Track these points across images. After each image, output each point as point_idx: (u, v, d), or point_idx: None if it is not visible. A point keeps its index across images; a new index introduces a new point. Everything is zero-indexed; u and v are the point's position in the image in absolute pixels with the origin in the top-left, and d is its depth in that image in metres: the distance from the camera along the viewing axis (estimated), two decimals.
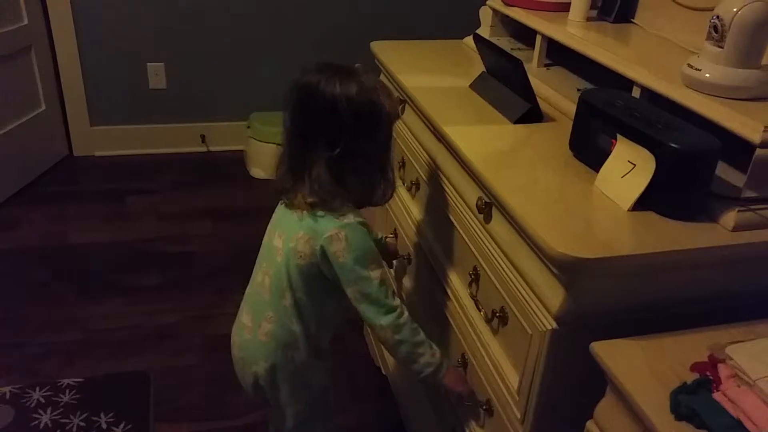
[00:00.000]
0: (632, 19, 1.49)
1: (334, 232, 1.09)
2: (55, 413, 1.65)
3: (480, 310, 1.15)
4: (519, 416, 1.02)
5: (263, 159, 2.90)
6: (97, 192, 2.82)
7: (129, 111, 3.10)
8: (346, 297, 1.14)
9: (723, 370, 0.74)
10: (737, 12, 0.98)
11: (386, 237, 1.59)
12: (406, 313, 1.15)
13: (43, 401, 1.69)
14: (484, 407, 1.15)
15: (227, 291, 2.19)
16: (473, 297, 1.18)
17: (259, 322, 1.21)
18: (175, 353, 1.94)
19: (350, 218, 1.11)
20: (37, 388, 1.72)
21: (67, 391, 1.74)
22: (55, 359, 1.88)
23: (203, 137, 3.19)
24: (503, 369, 1.07)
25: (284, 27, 3.09)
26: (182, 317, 2.08)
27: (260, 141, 2.92)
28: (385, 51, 1.68)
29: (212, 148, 3.22)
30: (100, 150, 3.13)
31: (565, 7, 1.49)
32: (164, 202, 2.76)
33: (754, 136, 0.90)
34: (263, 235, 1.25)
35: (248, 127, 3.02)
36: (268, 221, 1.24)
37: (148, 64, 3.03)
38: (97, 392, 1.76)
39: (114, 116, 3.09)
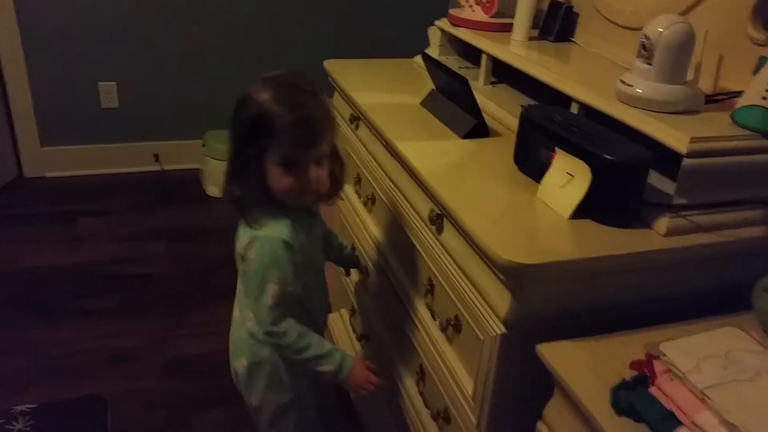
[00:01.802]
0: (572, 38, 1.57)
1: (246, 241, 1.12)
2: None
3: (435, 320, 1.19)
4: (474, 421, 1.06)
5: (219, 177, 2.86)
6: (49, 214, 2.76)
7: (80, 131, 3.05)
8: (300, 304, 1.19)
9: (658, 366, 0.80)
10: (662, 32, 1.05)
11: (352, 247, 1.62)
12: (292, 335, 1.14)
13: None
14: (441, 415, 1.19)
15: (185, 312, 2.18)
16: (429, 307, 1.22)
17: (244, 316, 1.24)
18: (134, 377, 1.91)
19: (267, 231, 1.10)
20: None
21: (20, 418, 1.70)
22: (8, 385, 1.83)
23: (157, 156, 3.16)
24: (458, 376, 1.11)
25: (237, 45, 3.10)
26: (140, 340, 2.05)
27: (216, 159, 2.92)
28: (338, 69, 1.72)
29: (166, 167, 3.19)
30: (51, 171, 3.07)
31: (509, 27, 1.56)
32: (118, 223, 2.72)
33: (682, 147, 0.97)
34: (221, 255, 1.28)
35: (204, 145, 3.01)
36: (226, 240, 1.25)
37: (100, 83, 3.00)
38: (52, 419, 1.72)
39: (65, 136, 3.04)
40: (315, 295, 1.26)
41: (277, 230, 1.10)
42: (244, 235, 1.14)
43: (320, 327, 1.31)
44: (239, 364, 1.26)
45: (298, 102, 1.05)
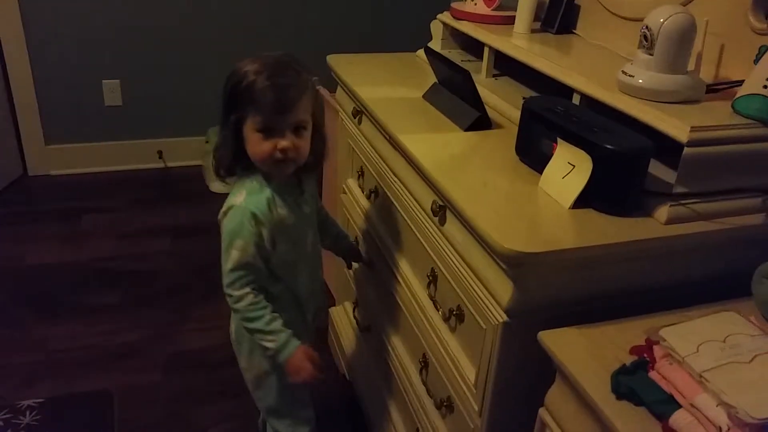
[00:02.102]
0: (573, 30, 1.57)
1: (224, 209, 1.19)
2: None
3: (438, 310, 1.20)
4: (477, 408, 1.07)
5: None
6: (53, 211, 2.78)
7: (84, 129, 3.07)
8: (277, 279, 1.24)
9: (658, 351, 0.80)
10: (663, 22, 1.06)
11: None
12: (244, 302, 1.18)
13: (2, 424, 1.67)
14: (445, 404, 1.20)
15: (188, 308, 2.19)
16: (431, 297, 1.23)
17: None
18: (138, 371, 1.93)
19: (242, 201, 1.17)
20: None
21: (28, 412, 1.72)
22: (15, 381, 1.85)
23: (160, 153, 3.18)
24: (461, 365, 1.12)
25: (240, 41, 3.11)
26: (143, 335, 2.07)
27: None
28: (341, 64, 1.72)
29: (170, 164, 3.21)
30: (56, 169, 3.09)
31: (511, 20, 1.56)
32: (122, 220, 2.73)
33: (682, 136, 0.98)
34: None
35: (207, 141, 3.02)
36: None
37: (103, 81, 3.01)
38: (58, 413, 1.74)
39: (69, 134, 3.06)
40: (302, 273, 1.28)
41: (250, 202, 1.16)
42: (225, 204, 1.20)
43: (305, 309, 1.32)
44: (232, 327, 1.35)
45: (277, 72, 1.12)
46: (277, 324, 1.20)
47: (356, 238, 1.67)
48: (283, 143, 1.14)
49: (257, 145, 1.14)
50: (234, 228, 1.16)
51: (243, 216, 1.15)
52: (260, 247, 1.17)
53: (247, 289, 1.18)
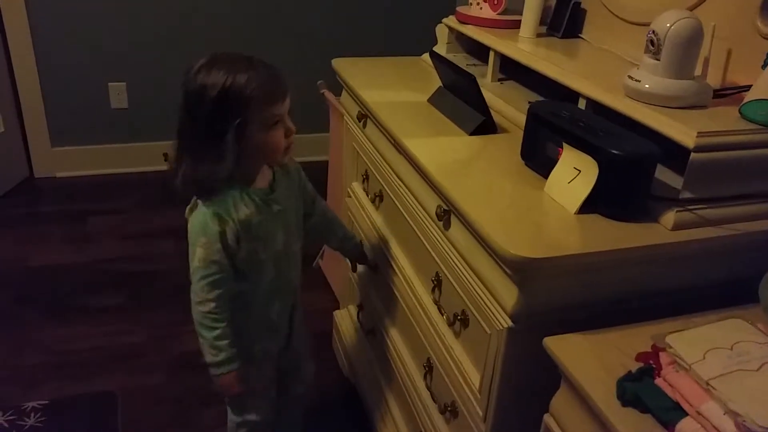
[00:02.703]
0: (580, 35, 1.57)
1: (191, 203, 1.22)
2: None
3: (443, 315, 1.19)
4: (481, 414, 1.07)
5: None
6: (58, 213, 2.79)
7: (90, 131, 3.08)
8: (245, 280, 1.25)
9: (664, 358, 0.80)
10: (670, 27, 1.05)
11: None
12: (205, 308, 1.19)
13: (7, 426, 1.67)
14: (449, 408, 1.19)
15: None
16: (436, 302, 1.23)
17: None
18: (142, 373, 1.93)
19: (207, 206, 1.18)
20: (0, 413, 1.70)
21: (32, 414, 1.72)
22: (19, 383, 1.85)
23: (166, 156, 3.16)
24: (466, 370, 1.11)
25: (245, 44, 3.11)
26: (148, 337, 2.07)
27: None
28: (346, 68, 1.72)
29: None
30: (62, 171, 3.09)
31: (517, 24, 1.56)
32: (127, 222, 2.74)
33: (689, 141, 0.97)
34: None
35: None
36: None
37: (110, 83, 3.02)
38: (63, 414, 1.74)
39: (75, 137, 3.07)
40: (268, 271, 1.26)
41: (213, 205, 1.17)
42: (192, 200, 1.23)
43: (269, 307, 1.30)
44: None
45: (250, 66, 1.12)
46: (224, 342, 1.21)
47: (360, 241, 1.67)
48: (291, 127, 1.17)
49: (274, 140, 1.15)
50: (197, 227, 1.18)
51: (206, 217, 1.17)
52: (225, 245, 1.18)
53: (212, 295, 1.19)
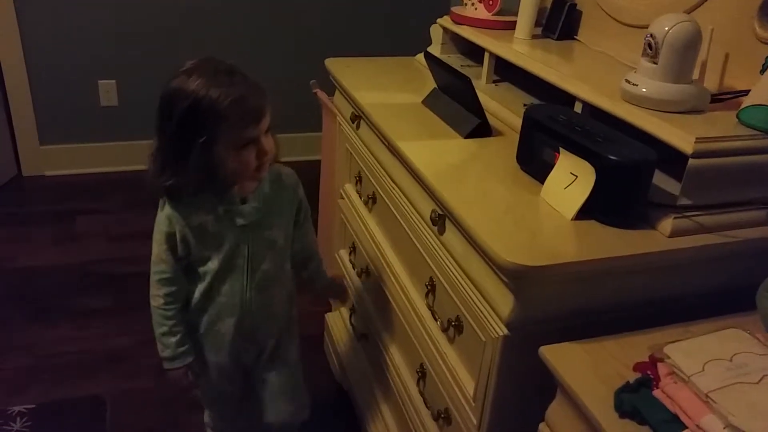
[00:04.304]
0: (575, 37, 1.56)
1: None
2: None
3: (436, 320, 1.18)
4: (475, 422, 1.05)
5: None
6: (46, 213, 2.75)
7: (79, 129, 3.05)
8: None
9: (662, 369, 0.78)
10: (668, 31, 1.04)
11: (335, 277, 1.59)
12: (155, 303, 1.25)
13: None
14: (442, 415, 1.18)
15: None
16: (430, 307, 1.21)
17: None
18: (130, 376, 1.91)
19: (163, 205, 1.20)
20: None
21: (18, 418, 1.70)
22: (5, 386, 1.83)
23: None
24: (459, 377, 1.10)
25: (237, 42, 3.09)
26: (136, 339, 2.04)
27: None
28: (339, 68, 1.70)
29: None
30: (50, 169, 3.06)
31: (512, 25, 1.55)
32: (116, 222, 2.71)
33: (687, 147, 0.96)
34: None
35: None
36: None
37: (99, 81, 2.99)
38: (50, 419, 1.71)
39: (64, 135, 3.03)
40: (227, 284, 1.24)
41: (171, 207, 1.19)
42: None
43: (221, 319, 1.28)
44: None
45: (230, 82, 1.08)
46: (172, 339, 1.26)
47: (354, 244, 1.65)
48: (264, 149, 1.13)
49: (242, 161, 1.12)
50: (156, 225, 1.21)
51: (161, 215, 1.20)
52: (172, 247, 1.20)
53: (161, 292, 1.23)
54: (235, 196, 1.19)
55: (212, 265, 1.22)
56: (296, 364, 1.44)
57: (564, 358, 0.85)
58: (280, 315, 1.35)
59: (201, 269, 1.24)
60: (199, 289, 1.25)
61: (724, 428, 0.68)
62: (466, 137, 1.29)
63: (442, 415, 1.18)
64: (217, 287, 1.25)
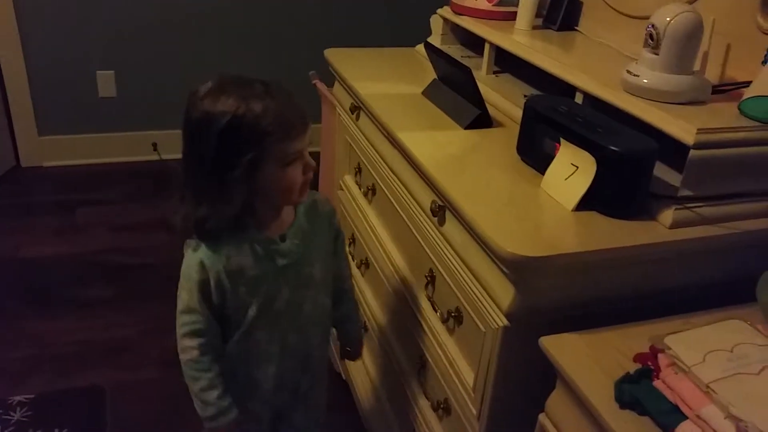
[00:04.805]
0: (576, 27, 1.55)
1: (186, 245, 1.10)
2: None
3: (436, 311, 1.18)
4: (475, 412, 1.05)
5: None
6: (46, 204, 2.75)
7: (78, 120, 3.04)
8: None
9: (662, 360, 0.79)
10: (670, 21, 1.03)
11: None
12: (186, 356, 1.09)
13: None
14: (442, 406, 1.18)
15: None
16: (429, 298, 1.21)
17: None
18: (132, 367, 1.91)
19: (193, 247, 1.07)
20: None
21: (18, 408, 1.70)
22: (6, 376, 1.83)
23: (155, 145, 3.14)
24: (459, 367, 1.10)
25: (236, 33, 3.08)
26: (138, 330, 2.05)
27: None
28: (339, 58, 1.70)
29: (165, 157, 3.17)
30: (49, 160, 3.05)
31: (512, 16, 1.54)
32: (117, 213, 2.70)
33: (689, 138, 0.96)
34: None
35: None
36: None
37: (98, 72, 2.98)
38: (50, 409, 1.72)
39: (63, 126, 3.02)
40: (263, 332, 1.11)
41: (204, 251, 1.05)
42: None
43: (251, 375, 1.15)
44: None
45: (265, 93, 0.98)
46: (213, 393, 1.09)
47: (353, 235, 1.65)
48: (311, 163, 1.03)
49: (291, 179, 1.01)
50: (184, 270, 1.07)
51: (192, 260, 1.05)
52: (206, 296, 1.06)
53: (195, 343, 1.08)
54: (274, 233, 1.08)
55: (251, 312, 1.08)
56: (324, 410, 1.32)
57: (564, 349, 0.86)
58: (318, 357, 1.23)
59: (236, 317, 1.10)
60: (235, 338, 1.11)
61: (725, 418, 0.68)
62: (467, 128, 1.28)
63: (442, 406, 1.18)
64: (254, 334, 1.11)
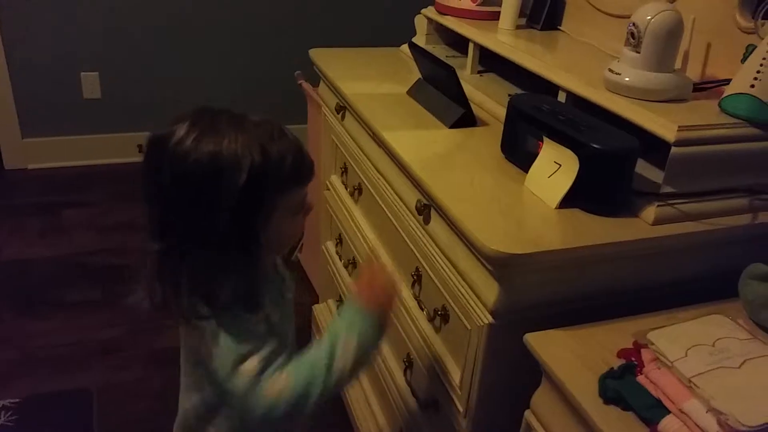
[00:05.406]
0: (559, 27, 1.56)
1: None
2: None
3: (423, 310, 1.18)
4: (462, 410, 1.06)
5: None
6: (31, 206, 2.72)
7: (62, 122, 3.01)
8: None
9: (646, 355, 0.79)
10: (651, 20, 1.04)
11: None
12: (279, 389, 0.86)
13: None
14: (429, 404, 1.18)
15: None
16: (416, 297, 1.21)
17: None
18: (120, 368, 1.90)
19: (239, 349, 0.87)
20: None
21: (3, 412, 1.68)
22: None
23: (140, 147, 3.09)
24: (446, 365, 1.10)
25: (222, 34, 3.07)
26: (125, 331, 2.04)
27: None
28: (324, 58, 1.70)
29: None
30: (33, 163, 3.02)
31: (496, 16, 1.55)
32: (102, 215, 2.69)
33: (670, 135, 0.97)
34: None
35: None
36: None
37: (82, 73, 2.95)
38: (36, 412, 1.70)
39: (47, 128, 3.00)
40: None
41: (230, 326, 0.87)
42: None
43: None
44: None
45: (275, 133, 0.84)
46: (324, 345, 0.88)
47: (340, 235, 1.65)
48: (311, 206, 0.92)
49: (295, 226, 0.90)
50: (221, 354, 0.86)
51: (225, 341, 0.86)
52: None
53: (268, 374, 0.86)
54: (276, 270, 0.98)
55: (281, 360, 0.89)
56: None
57: (549, 345, 0.86)
58: None
59: None
60: None
61: (707, 412, 0.69)
62: (451, 127, 1.29)
63: (429, 404, 1.18)
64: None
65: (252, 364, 0.85)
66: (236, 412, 0.92)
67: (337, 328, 0.90)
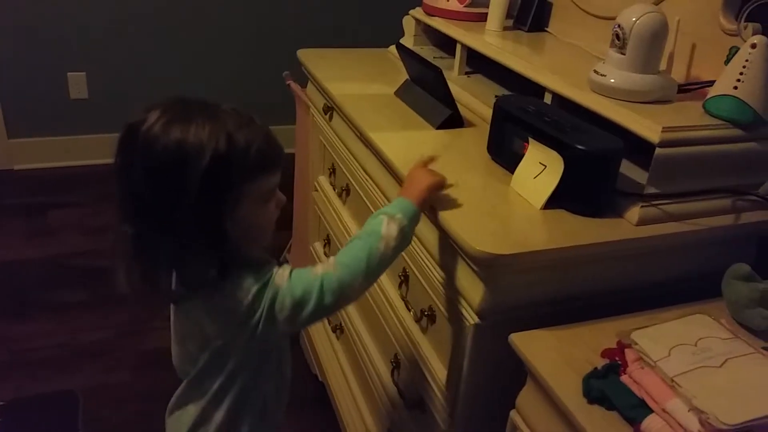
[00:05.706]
0: (546, 28, 1.57)
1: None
2: None
3: (410, 310, 1.18)
4: (448, 410, 1.06)
5: None
6: (17, 207, 2.70)
7: (49, 122, 2.99)
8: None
9: (629, 354, 0.80)
10: (636, 21, 1.05)
11: None
12: (337, 270, 0.90)
13: None
14: (416, 405, 1.18)
15: (157, 305, 2.15)
16: (403, 298, 1.22)
17: None
18: (106, 371, 1.89)
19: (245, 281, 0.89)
20: None
21: None
22: None
23: None
24: (433, 366, 1.10)
25: (211, 33, 3.06)
26: (111, 333, 2.03)
27: None
28: (312, 58, 1.69)
29: None
30: (19, 163, 3.00)
31: (483, 17, 1.55)
32: (88, 216, 2.67)
33: (654, 136, 0.97)
34: None
35: None
36: None
37: (69, 73, 2.94)
38: (20, 415, 1.69)
39: (33, 128, 2.98)
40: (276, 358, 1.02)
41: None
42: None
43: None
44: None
45: (243, 120, 0.85)
46: (372, 232, 0.92)
47: (328, 236, 1.65)
48: (283, 197, 0.93)
49: (267, 216, 0.91)
50: (239, 299, 0.87)
51: (246, 283, 0.87)
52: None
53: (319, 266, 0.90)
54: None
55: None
56: None
57: (533, 345, 0.87)
58: None
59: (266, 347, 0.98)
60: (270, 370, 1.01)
61: (689, 411, 0.69)
62: (438, 128, 1.29)
63: (416, 405, 1.18)
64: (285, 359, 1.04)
65: (282, 269, 0.89)
66: (290, 315, 0.88)
67: (383, 212, 0.95)
